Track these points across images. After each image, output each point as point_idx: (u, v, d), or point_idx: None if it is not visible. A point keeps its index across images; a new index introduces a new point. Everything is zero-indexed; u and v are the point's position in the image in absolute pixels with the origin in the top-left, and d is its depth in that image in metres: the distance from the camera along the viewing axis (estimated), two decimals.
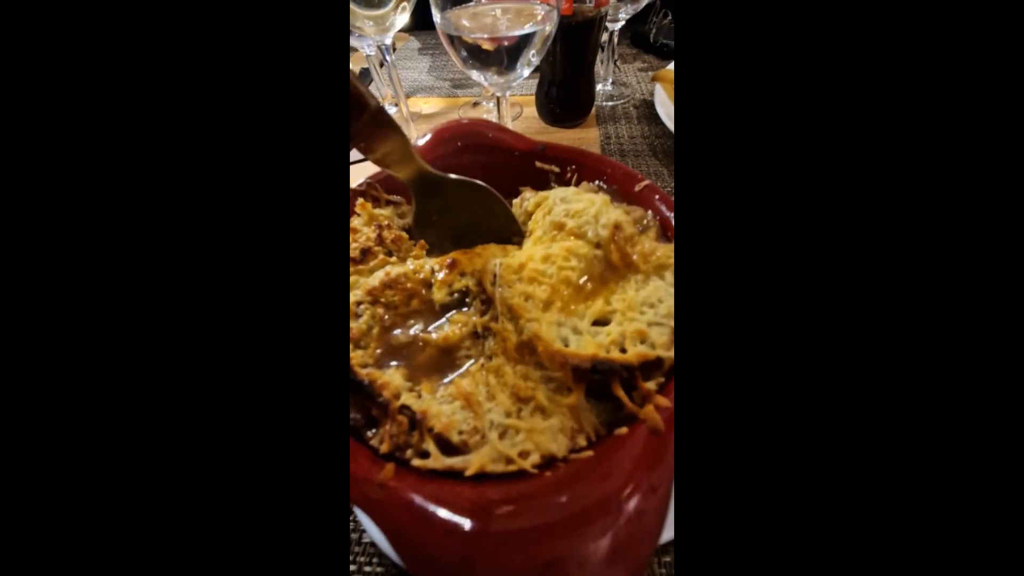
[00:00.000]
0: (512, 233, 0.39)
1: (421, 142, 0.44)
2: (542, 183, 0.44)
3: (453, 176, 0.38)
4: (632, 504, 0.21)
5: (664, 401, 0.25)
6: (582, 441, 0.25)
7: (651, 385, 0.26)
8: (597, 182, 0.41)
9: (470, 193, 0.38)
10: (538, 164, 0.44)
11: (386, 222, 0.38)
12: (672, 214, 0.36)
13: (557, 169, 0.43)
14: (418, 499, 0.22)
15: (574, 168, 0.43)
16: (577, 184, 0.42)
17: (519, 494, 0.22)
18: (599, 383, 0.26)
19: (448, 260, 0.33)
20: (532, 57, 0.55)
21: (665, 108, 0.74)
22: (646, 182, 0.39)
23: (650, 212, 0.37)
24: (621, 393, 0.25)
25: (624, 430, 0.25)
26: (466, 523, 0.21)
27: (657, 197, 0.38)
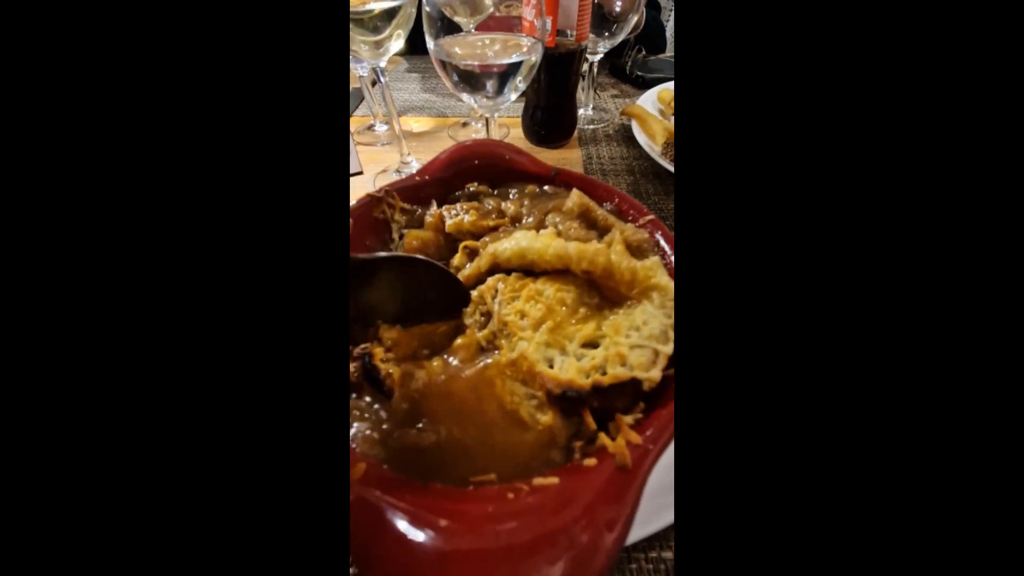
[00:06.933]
0: (459, 297, 0.35)
1: (442, 156, 0.46)
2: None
3: (383, 255, 0.35)
4: (584, 538, 0.21)
5: (636, 437, 0.25)
6: (556, 456, 0.26)
7: (628, 419, 0.26)
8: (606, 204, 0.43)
9: (404, 270, 0.34)
10: (548, 189, 0.46)
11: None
12: (670, 248, 0.37)
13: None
14: (384, 505, 0.22)
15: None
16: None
17: (479, 515, 0.22)
18: (572, 406, 0.27)
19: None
20: (519, 83, 0.59)
21: (641, 137, 0.80)
22: (650, 216, 0.39)
23: (657, 234, 0.38)
24: (589, 419, 0.27)
25: (593, 461, 0.25)
26: (420, 536, 0.21)
27: (660, 233, 0.38)
